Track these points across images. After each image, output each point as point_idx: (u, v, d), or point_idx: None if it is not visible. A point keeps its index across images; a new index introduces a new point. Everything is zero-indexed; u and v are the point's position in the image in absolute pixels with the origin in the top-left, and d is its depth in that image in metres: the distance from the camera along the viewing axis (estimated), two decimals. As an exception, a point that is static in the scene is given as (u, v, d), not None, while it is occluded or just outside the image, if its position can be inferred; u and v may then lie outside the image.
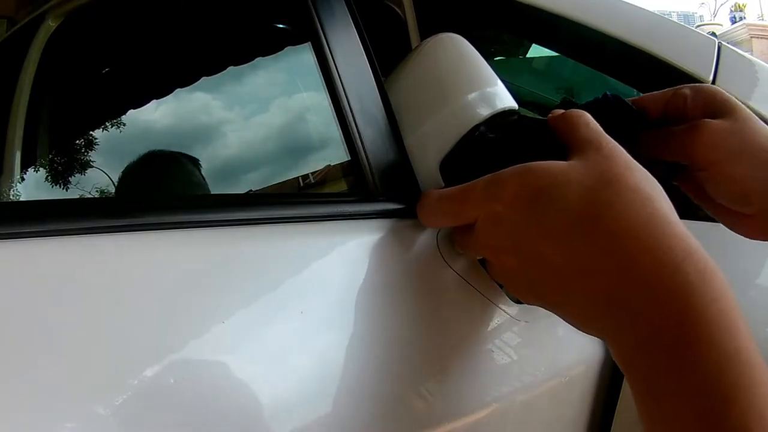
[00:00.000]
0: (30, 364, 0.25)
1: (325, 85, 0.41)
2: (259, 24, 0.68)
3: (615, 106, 0.38)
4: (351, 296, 0.35)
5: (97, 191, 0.61)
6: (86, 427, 0.25)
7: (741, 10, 9.91)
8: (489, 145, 0.39)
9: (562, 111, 0.36)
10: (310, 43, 0.42)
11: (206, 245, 0.32)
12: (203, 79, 0.67)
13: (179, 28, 0.69)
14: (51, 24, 0.69)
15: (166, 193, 0.64)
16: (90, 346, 0.26)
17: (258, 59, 0.67)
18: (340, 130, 0.40)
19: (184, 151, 0.65)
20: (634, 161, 0.32)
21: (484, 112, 0.40)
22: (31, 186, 0.65)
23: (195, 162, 0.63)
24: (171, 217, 0.32)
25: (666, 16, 0.69)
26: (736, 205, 0.39)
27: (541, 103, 1.07)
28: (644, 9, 0.65)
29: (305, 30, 0.42)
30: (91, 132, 0.65)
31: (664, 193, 0.31)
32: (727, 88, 0.56)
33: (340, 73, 0.41)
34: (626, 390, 0.47)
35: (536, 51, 1.08)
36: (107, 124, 0.66)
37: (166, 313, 0.29)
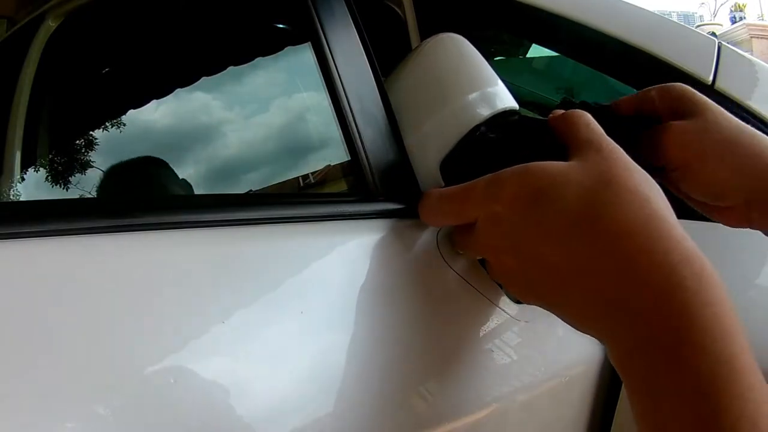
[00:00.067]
0: (30, 364, 0.25)
1: (325, 85, 0.41)
2: (259, 24, 0.68)
3: (601, 114, 0.39)
4: (351, 296, 0.35)
5: (97, 191, 0.61)
6: (86, 427, 0.25)
7: (741, 10, 9.90)
8: (489, 145, 0.39)
9: (563, 111, 0.36)
10: (310, 43, 0.42)
11: (206, 245, 0.32)
12: (203, 79, 0.67)
13: (179, 28, 0.69)
14: (51, 24, 0.69)
15: (166, 193, 0.64)
16: (90, 346, 0.26)
17: (258, 59, 0.67)
18: (340, 130, 0.40)
19: (182, 151, 0.65)
20: (634, 162, 0.32)
21: (485, 112, 0.40)
22: (31, 186, 0.65)
23: (163, 165, 0.63)
24: (171, 217, 0.32)
25: (666, 16, 0.69)
26: (712, 200, 0.40)
27: (541, 103, 1.07)
28: (644, 9, 0.65)
29: (305, 30, 0.42)
30: (91, 132, 0.65)
31: (662, 194, 0.31)
32: (727, 88, 0.57)
33: (340, 73, 0.41)
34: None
35: (536, 51, 1.08)
36: (107, 124, 0.66)
37: (166, 313, 0.29)
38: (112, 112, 0.65)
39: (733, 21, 9.70)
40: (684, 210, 0.39)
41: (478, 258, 0.40)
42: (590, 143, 0.32)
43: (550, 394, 0.44)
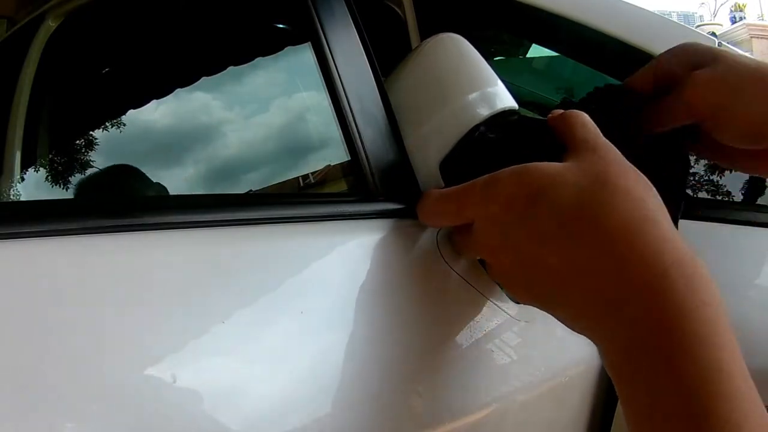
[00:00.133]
0: (30, 364, 0.25)
1: (325, 85, 0.41)
2: (259, 24, 0.68)
3: (611, 95, 0.39)
4: (351, 296, 0.35)
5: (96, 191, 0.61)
6: (86, 427, 0.25)
7: (741, 10, 9.90)
8: (489, 145, 0.39)
9: (562, 111, 0.36)
10: (310, 43, 0.42)
11: (206, 245, 0.32)
12: (203, 79, 0.67)
13: (179, 28, 0.69)
14: (51, 24, 0.69)
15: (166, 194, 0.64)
16: (90, 346, 0.26)
17: (258, 59, 0.67)
18: (340, 130, 0.40)
19: (182, 152, 0.65)
20: (629, 163, 0.32)
21: (484, 112, 0.40)
22: (31, 186, 0.65)
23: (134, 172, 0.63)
24: (171, 217, 0.32)
25: (666, 16, 0.69)
26: (750, 143, 0.39)
27: (541, 103, 1.07)
28: (644, 9, 0.65)
29: (305, 30, 0.42)
30: (91, 132, 0.65)
31: (658, 195, 0.31)
32: (727, 88, 0.56)
33: (340, 73, 0.41)
34: (626, 390, 0.47)
35: (536, 51, 1.08)
36: (107, 124, 0.66)
37: (166, 313, 0.29)
38: (112, 112, 0.65)
39: (733, 21, 9.70)
40: (684, 210, 0.39)
41: (478, 258, 0.40)
42: (586, 143, 0.32)
43: (550, 394, 0.44)
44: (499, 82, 0.42)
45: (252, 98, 0.69)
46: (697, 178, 0.61)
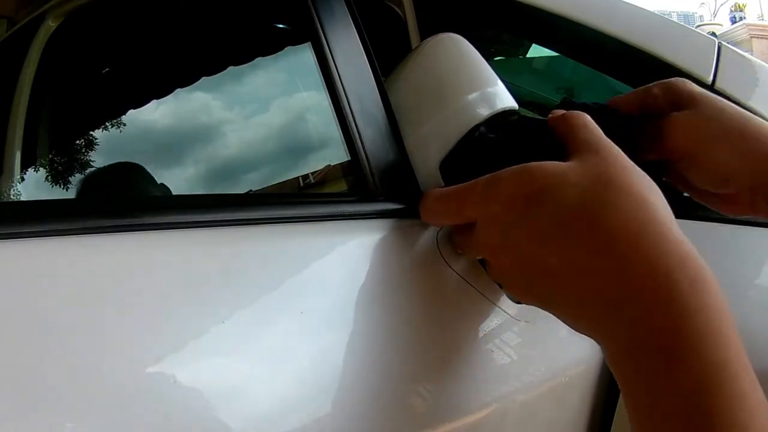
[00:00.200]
0: (30, 364, 0.25)
1: (325, 85, 0.41)
2: (259, 24, 0.68)
3: (601, 113, 0.39)
4: (351, 296, 0.35)
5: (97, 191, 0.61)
6: (86, 427, 0.25)
7: (741, 10, 9.90)
8: (489, 145, 0.39)
9: (562, 111, 0.36)
10: (310, 43, 0.42)
11: (206, 245, 0.32)
12: (203, 79, 0.67)
13: (179, 28, 0.69)
14: (51, 24, 0.69)
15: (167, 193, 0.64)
16: (90, 346, 0.26)
17: (258, 59, 0.67)
18: (340, 130, 0.40)
19: (182, 152, 0.65)
20: (632, 164, 0.32)
21: (484, 112, 0.40)
22: (31, 186, 0.65)
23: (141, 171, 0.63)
24: (171, 217, 0.32)
25: (666, 16, 0.69)
26: (718, 187, 0.40)
27: (541, 103, 1.07)
28: (644, 9, 0.65)
29: (305, 30, 0.42)
30: (91, 132, 0.65)
31: (662, 195, 0.31)
32: (727, 88, 0.57)
33: (340, 73, 0.41)
34: (626, 390, 0.47)
35: (536, 51, 1.08)
36: (107, 124, 0.66)
37: (166, 313, 0.29)
38: (112, 112, 0.65)
39: (733, 21, 9.69)
40: (684, 210, 0.39)
41: (478, 258, 0.40)
42: (588, 144, 0.32)
43: (550, 394, 0.44)
44: (499, 82, 0.42)
45: (252, 98, 0.69)
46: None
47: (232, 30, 0.68)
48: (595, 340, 0.30)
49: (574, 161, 0.32)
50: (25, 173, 0.66)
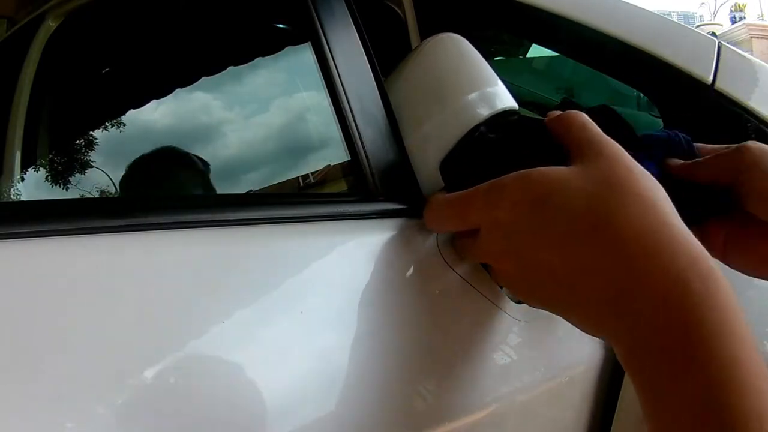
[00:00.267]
0: (30, 363, 0.25)
1: (325, 85, 0.41)
2: (259, 24, 0.68)
3: (601, 113, 0.38)
4: (351, 296, 0.35)
5: (97, 191, 0.61)
6: (87, 427, 0.25)
7: (741, 10, 9.90)
8: (489, 145, 0.39)
9: (559, 113, 0.36)
10: (310, 43, 0.42)
11: (206, 245, 0.32)
12: (203, 79, 0.67)
13: (179, 28, 0.69)
14: (51, 24, 0.69)
15: (167, 193, 0.64)
16: (90, 346, 0.26)
17: (258, 59, 0.67)
18: (340, 130, 0.40)
19: (189, 152, 0.65)
20: (636, 164, 0.31)
21: (485, 112, 0.40)
22: (31, 186, 0.65)
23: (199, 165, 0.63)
24: (171, 217, 0.32)
25: (666, 16, 0.69)
26: None
27: (541, 103, 1.07)
28: (644, 9, 0.65)
29: (305, 30, 0.42)
30: (91, 132, 0.65)
31: (667, 196, 0.31)
32: (727, 88, 0.57)
33: (340, 73, 0.41)
34: (626, 390, 0.47)
35: (536, 51, 1.08)
36: (107, 124, 0.66)
37: (166, 313, 0.29)
38: (112, 112, 0.65)
39: (733, 21, 9.69)
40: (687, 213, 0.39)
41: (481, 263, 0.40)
42: (590, 144, 0.32)
43: (550, 394, 0.44)
44: (499, 82, 0.42)
45: (252, 98, 0.69)
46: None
47: (232, 30, 0.68)
48: (605, 340, 0.30)
49: (576, 165, 0.32)
50: (25, 173, 0.66)
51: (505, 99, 0.41)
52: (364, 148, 0.39)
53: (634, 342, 0.28)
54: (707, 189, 0.39)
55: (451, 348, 0.38)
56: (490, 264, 0.35)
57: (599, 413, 0.48)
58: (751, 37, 8.33)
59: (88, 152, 0.65)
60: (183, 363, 0.28)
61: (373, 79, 0.42)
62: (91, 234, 0.28)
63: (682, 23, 0.66)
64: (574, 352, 0.45)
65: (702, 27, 9.27)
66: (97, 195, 0.61)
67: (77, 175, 0.63)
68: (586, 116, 0.34)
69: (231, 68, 0.67)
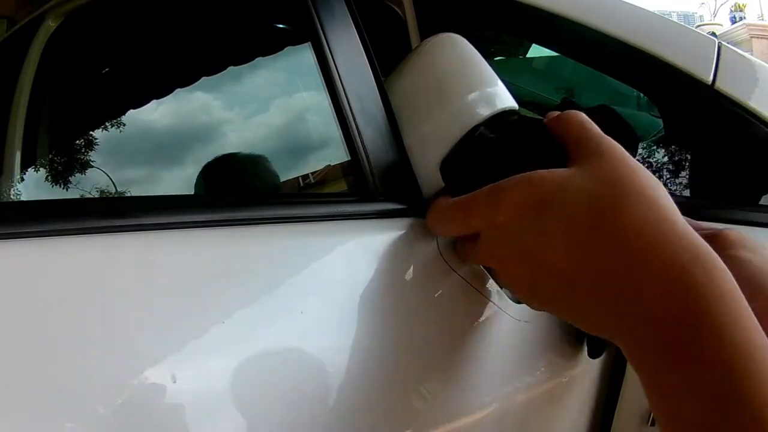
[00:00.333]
0: (30, 363, 0.25)
1: (325, 85, 0.41)
2: (259, 24, 0.68)
3: (601, 113, 0.38)
4: (351, 296, 0.35)
5: (97, 191, 0.61)
6: (86, 427, 0.25)
7: (741, 10, 9.90)
8: (489, 145, 0.39)
9: (558, 113, 0.36)
10: (310, 43, 0.42)
11: (206, 245, 0.32)
12: (203, 79, 0.67)
13: (179, 28, 0.69)
14: (51, 24, 0.69)
15: (166, 194, 0.64)
16: (90, 346, 0.26)
17: (258, 59, 0.67)
18: (340, 130, 0.40)
19: (182, 152, 0.65)
20: (637, 162, 0.32)
21: (484, 112, 0.40)
22: (31, 186, 0.65)
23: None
24: (171, 217, 0.32)
25: (666, 16, 0.69)
26: None
27: (541, 103, 1.07)
28: (644, 9, 0.65)
29: (305, 30, 0.42)
30: (91, 132, 0.65)
31: (667, 194, 0.31)
32: (727, 88, 0.57)
33: (340, 73, 0.41)
34: (626, 390, 0.47)
35: (536, 51, 1.08)
36: (107, 124, 0.66)
37: (166, 313, 0.29)
38: (112, 112, 0.65)
39: (733, 21, 9.69)
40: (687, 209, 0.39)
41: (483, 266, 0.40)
42: (590, 145, 0.32)
43: (550, 394, 0.44)
44: (499, 82, 0.42)
45: (252, 98, 0.69)
46: (697, 178, 0.61)
47: (232, 30, 0.68)
48: (611, 340, 0.30)
49: (576, 164, 0.32)
50: (25, 173, 0.66)
51: (505, 99, 0.41)
52: (364, 148, 0.39)
53: (641, 337, 0.28)
54: None
55: (451, 348, 0.38)
56: (493, 267, 0.35)
57: (599, 413, 0.48)
58: (751, 37, 8.33)
59: (88, 152, 0.65)
60: (183, 363, 0.28)
61: (373, 79, 0.42)
62: (91, 234, 0.28)
63: (682, 23, 0.66)
64: (574, 352, 0.45)
65: (702, 27, 9.27)
66: (97, 195, 0.61)
67: (77, 175, 0.63)
68: (585, 116, 0.34)
69: (231, 68, 0.67)
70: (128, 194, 0.63)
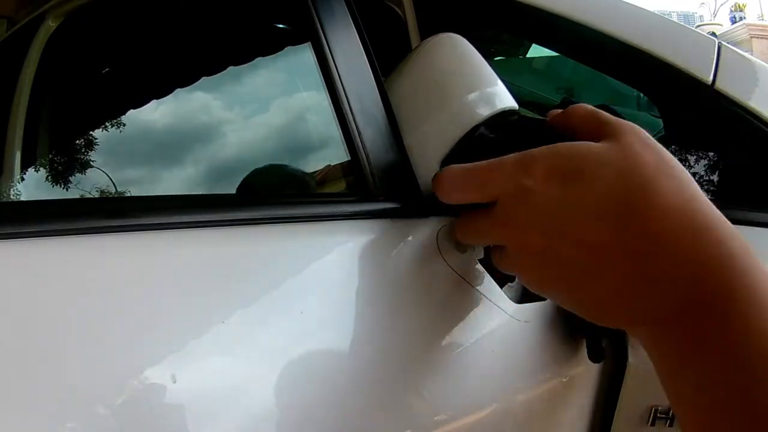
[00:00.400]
0: (30, 363, 0.25)
1: (325, 85, 0.41)
2: (259, 24, 0.68)
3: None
4: (351, 296, 0.35)
5: (97, 191, 0.61)
6: (86, 427, 0.25)
7: (741, 10, 9.91)
8: (489, 145, 0.39)
9: (559, 111, 0.35)
10: (310, 43, 0.42)
11: (206, 245, 0.32)
12: (203, 79, 0.67)
13: (179, 28, 0.69)
14: (51, 24, 0.69)
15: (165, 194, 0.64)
16: (90, 346, 0.26)
17: (258, 59, 0.67)
18: (340, 130, 0.40)
19: (182, 152, 0.65)
20: (660, 144, 0.31)
21: (484, 112, 0.40)
22: (31, 186, 0.65)
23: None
24: (171, 217, 0.32)
25: (666, 16, 0.69)
26: None
27: (541, 103, 1.08)
28: (644, 9, 0.65)
29: (305, 30, 0.42)
30: (91, 132, 0.66)
31: (691, 177, 0.31)
32: (727, 88, 0.57)
33: (340, 73, 0.41)
34: (626, 390, 0.47)
35: (536, 51, 1.08)
36: (107, 124, 0.66)
37: (166, 313, 0.29)
38: (111, 112, 0.65)
39: (733, 21, 9.70)
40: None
41: (489, 245, 0.38)
42: (610, 126, 0.32)
43: (550, 394, 0.44)
44: (499, 82, 0.42)
45: (252, 98, 0.70)
46: (697, 179, 0.61)
47: (232, 30, 0.68)
48: (620, 326, 0.30)
49: (606, 142, 0.31)
50: (25, 173, 0.66)
51: (505, 99, 0.41)
52: (364, 148, 0.39)
53: (664, 318, 0.28)
54: None
55: (451, 347, 0.38)
56: (506, 242, 0.33)
57: (599, 413, 0.48)
58: (751, 37, 8.33)
59: (88, 152, 0.65)
60: (183, 363, 0.28)
61: (373, 79, 0.42)
62: (91, 234, 0.28)
63: (682, 23, 0.66)
64: (574, 352, 0.45)
65: (702, 27, 9.27)
66: (97, 195, 0.61)
67: (77, 175, 0.63)
68: (587, 105, 0.34)
69: (231, 68, 0.67)
70: (128, 194, 0.63)
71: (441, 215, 0.40)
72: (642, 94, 0.81)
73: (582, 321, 0.32)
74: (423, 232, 0.39)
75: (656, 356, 0.29)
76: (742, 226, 0.50)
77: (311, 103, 0.61)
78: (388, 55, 0.50)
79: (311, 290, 0.34)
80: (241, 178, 0.64)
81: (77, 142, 0.67)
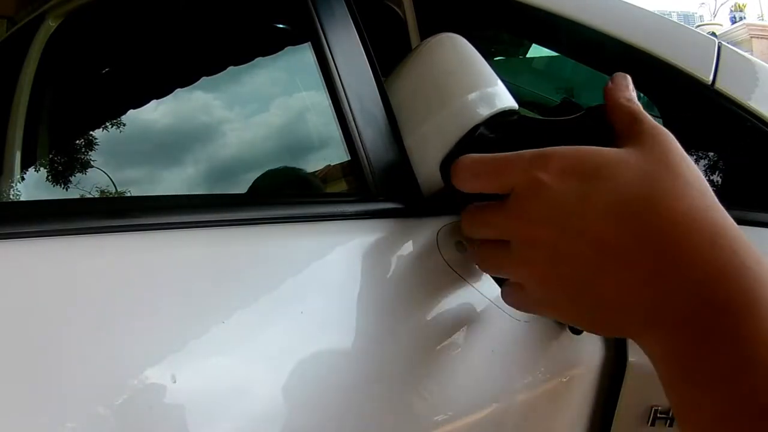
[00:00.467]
0: (30, 363, 0.25)
1: (325, 85, 0.41)
2: (259, 24, 0.68)
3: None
4: (351, 296, 0.35)
5: (97, 191, 0.61)
6: (86, 427, 0.25)
7: (741, 10, 9.91)
8: (489, 145, 0.39)
9: (627, 98, 0.34)
10: (310, 43, 0.42)
11: (206, 245, 0.32)
12: (203, 79, 0.67)
13: (179, 28, 0.69)
14: (51, 24, 0.69)
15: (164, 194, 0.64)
16: (90, 346, 0.26)
17: (258, 59, 0.67)
18: (340, 130, 0.40)
19: (182, 152, 0.65)
20: (684, 151, 0.31)
21: (484, 112, 0.40)
22: (31, 186, 0.65)
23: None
24: (171, 217, 0.32)
25: (666, 16, 0.69)
26: None
27: (541, 103, 1.08)
28: (644, 9, 0.65)
29: (305, 30, 0.42)
30: (91, 132, 0.66)
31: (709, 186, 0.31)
32: (727, 88, 0.57)
33: (340, 73, 0.41)
34: (626, 390, 0.47)
35: (536, 51, 1.08)
36: (107, 124, 0.66)
37: (166, 313, 0.29)
38: (112, 111, 0.65)
39: (733, 21, 9.70)
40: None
41: (497, 239, 0.35)
42: (642, 126, 0.32)
43: (550, 394, 0.44)
44: (499, 82, 0.42)
45: (252, 98, 0.69)
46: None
47: (232, 30, 0.68)
48: (628, 331, 0.30)
49: (631, 146, 0.31)
50: (25, 173, 0.66)
51: (504, 99, 0.41)
52: (364, 148, 0.39)
53: (673, 319, 0.28)
54: None
55: (451, 348, 0.38)
56: (515, 236, 0.33)
57: (599, 413, 0.48)
58: (751, 37, 8.34)
59: (88, 152, 0.65)
60: (183, 363, 0.28)
61: (373, 79, 0.42)
62: (91, 234, 0.28)
63: (682, 23, 0.66)
64: (574, 352, 0.45)
65: (702, 27, 9.28)
66: (97, 195, 0.61)
67: (77, 175, 0.63)
68: (639, 105, 0.34)
69: (231, 68, 0.67)
70: (128, 194, 0.63)
71: (441, 215, 0.40)
72: (642, 94, 0.81)
73: None
74: (423, 232, 0.39)
75: (661, 360, 0.29)
76: (742, 226, 0.50)
77: (311, 103, 0.61)
78: (388, 55, 0.50)
79: (311, 290, 0.34)
80: (241, 178, 0.64)
81: (77, 142, 0.67)
